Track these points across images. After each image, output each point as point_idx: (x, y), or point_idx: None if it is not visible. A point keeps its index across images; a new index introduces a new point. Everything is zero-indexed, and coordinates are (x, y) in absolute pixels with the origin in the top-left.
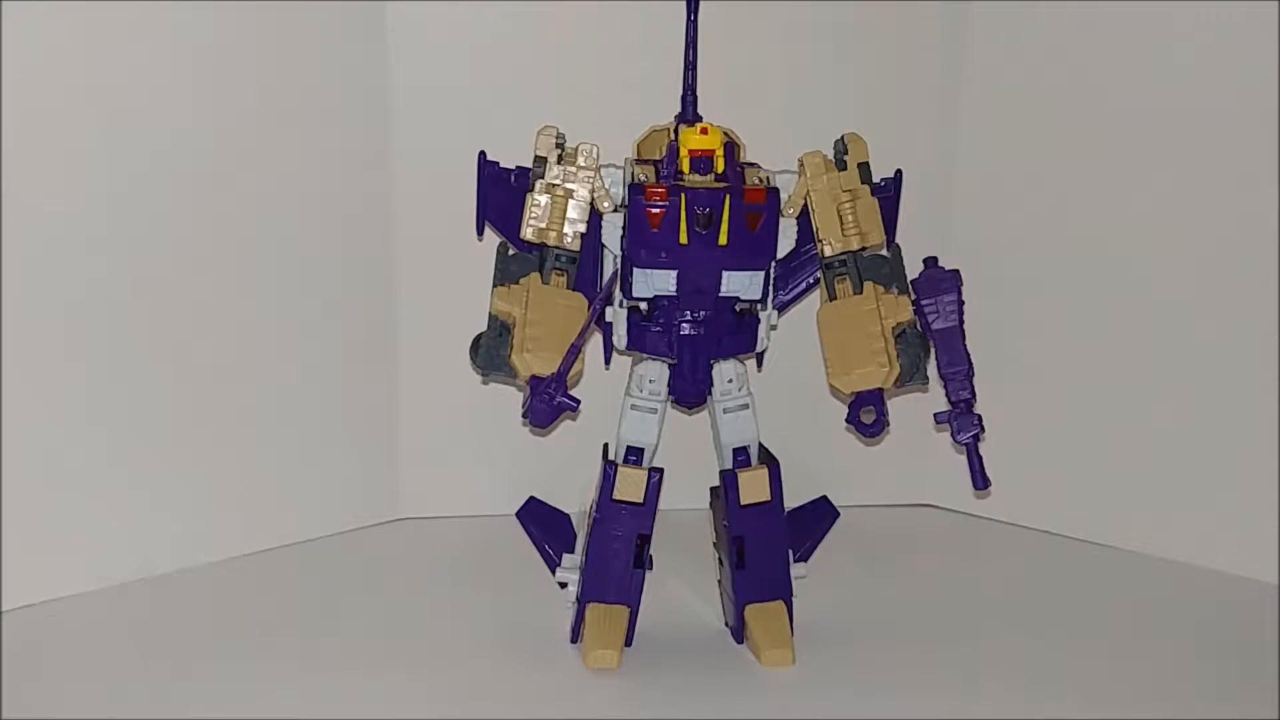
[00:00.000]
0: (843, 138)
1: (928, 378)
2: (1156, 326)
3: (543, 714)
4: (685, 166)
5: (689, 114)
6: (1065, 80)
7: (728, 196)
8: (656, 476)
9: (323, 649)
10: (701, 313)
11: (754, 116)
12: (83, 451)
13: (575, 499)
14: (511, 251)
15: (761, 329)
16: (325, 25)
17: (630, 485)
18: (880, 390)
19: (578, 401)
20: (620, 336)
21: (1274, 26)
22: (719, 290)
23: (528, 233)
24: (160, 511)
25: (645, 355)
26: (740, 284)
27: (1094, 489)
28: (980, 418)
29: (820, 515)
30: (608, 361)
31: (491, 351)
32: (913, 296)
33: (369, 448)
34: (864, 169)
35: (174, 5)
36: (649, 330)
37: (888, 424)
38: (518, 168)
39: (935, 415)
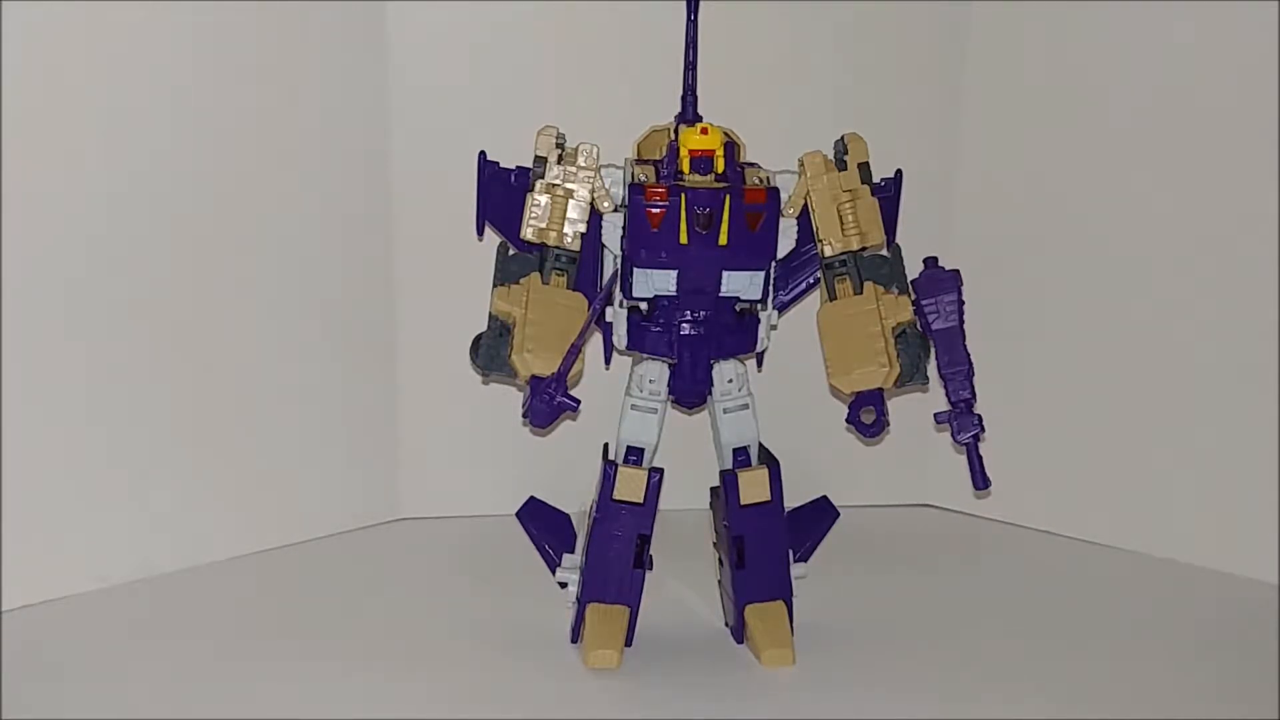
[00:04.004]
0: (843, 138)
1: (928, 378)
2: (1156, 326)
3: (543, 714)
4: (685, 166)
5: (689, 114)
6: (1065, 80)
7: (728, 196)
8: (656, 476)
9: (323, 649)
10: (701, 313)
11: (754, 116)
12: (83, 451)
13: (575, 499)
14: (511, 251)
15: (761, 329)
16: (325, 25)
17: (630, 485)
18: (880, 390)
19: (578, 401)
20: (620, 336)
21: (1274, 26)
22: (719, 290)
23: (528, 233)
24: (160, 511)
25: (645, 355)
26: (740, 284)
27: (1094, 489)
28: (980, 418)
29: (820, 515)
30: (608, 361)
31: (491, 351)
32: (913, 296)
33: (369, 448)
34: (864, 169)
35: (174, 5)
36: (649, 330)
37: (888, 424)
38: (518, 168)
39: (935, 415)
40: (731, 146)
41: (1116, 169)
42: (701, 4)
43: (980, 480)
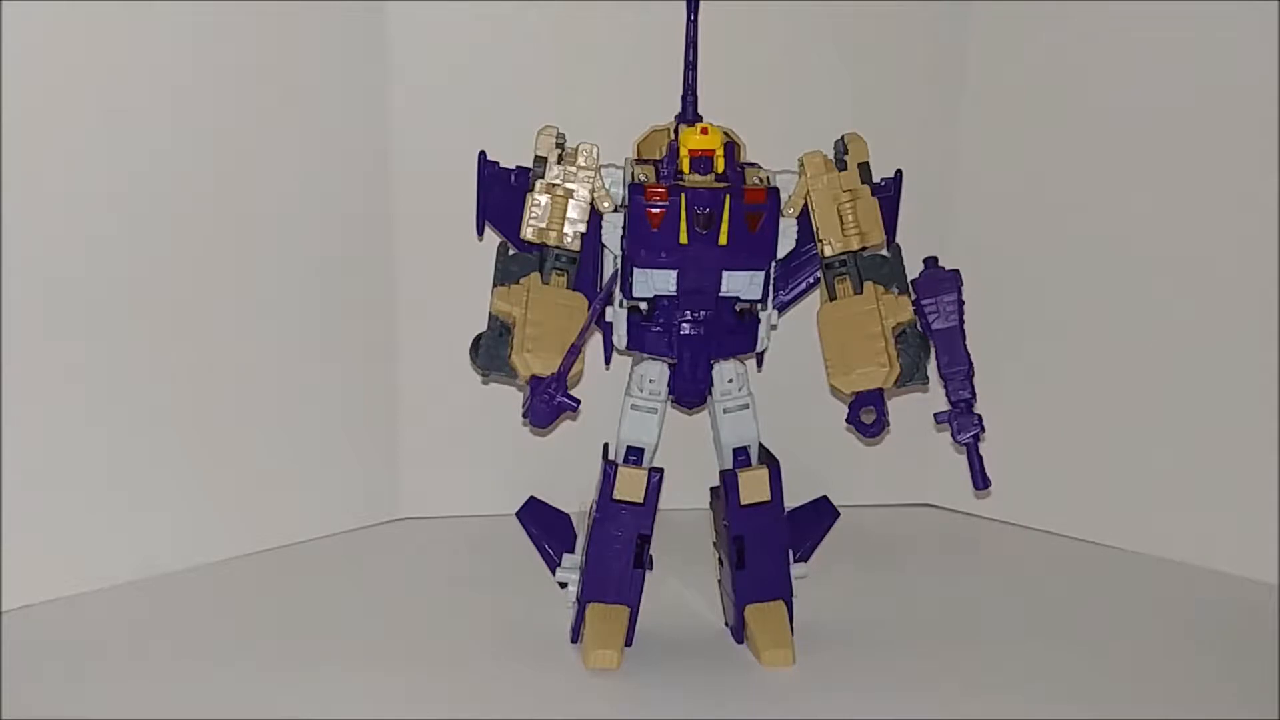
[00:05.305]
0: (843, 138)
1: (928, 378)
2: (1156, 326)
3: (543, 714)
4: (685, 166)
5: (689, 114)
6: (1065, 80)
7: (728, 196)
8: (656, 476)
9: (323, 649)
10: (701, 313)
11: (754, 116)
12: (83, 451)
13: (575, 499)
14: (511, 251)
15: (761, 329)
16: (325, 25)
17: (630, 485)
18: (880, 390)
19: (578, 401)
20: (620, 336)
21: (1274, 26)
22: (719, 290)
23: (528, 233)
24: (160, 511)
25: (645, 355)
26: (740, 284)
27: (1094, 489)
28: (980, 418)
29: (820, 515)
30: (608, 361)
31: (491, 351)
32: (913, 296)
33: (369, 448)
34: (864, 169)
35: (174, 5)
36: (649, 330)
37: (888, 424)
38: (518, 168)
39: (935, 415)
40: (731, 146)
41: (1116, 169)
42: (701, 4)
43: (980, 480)
